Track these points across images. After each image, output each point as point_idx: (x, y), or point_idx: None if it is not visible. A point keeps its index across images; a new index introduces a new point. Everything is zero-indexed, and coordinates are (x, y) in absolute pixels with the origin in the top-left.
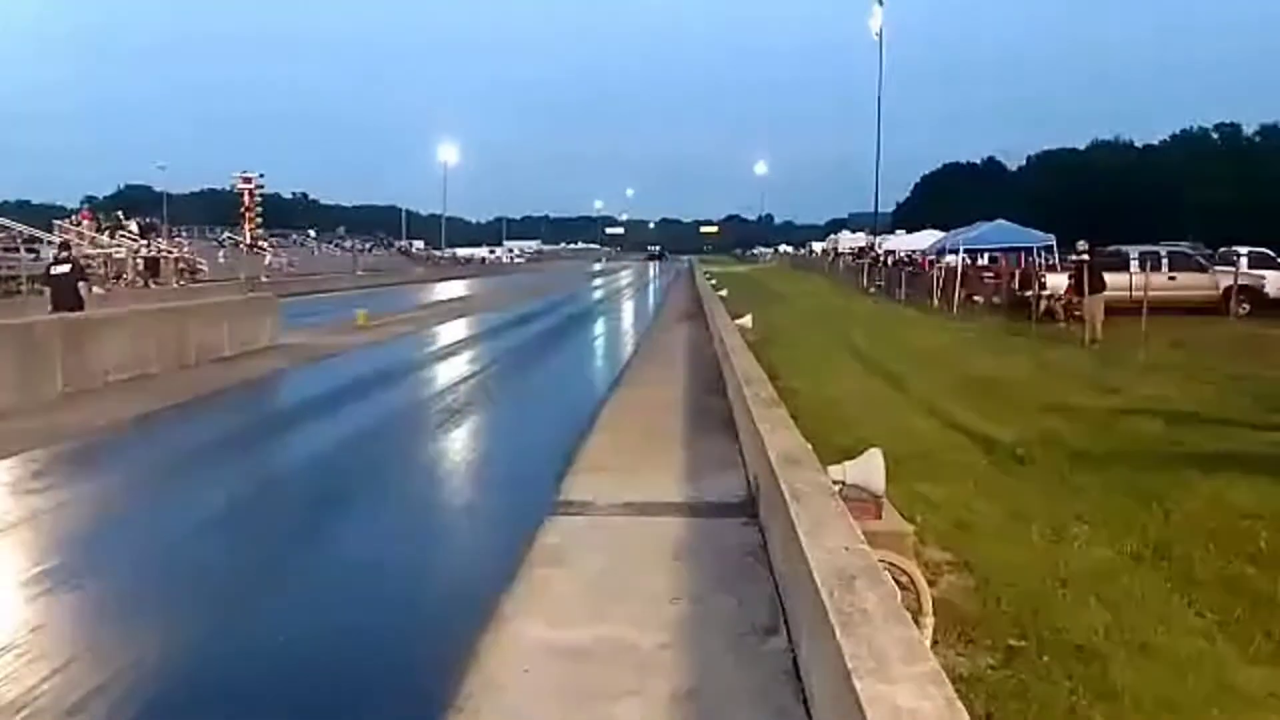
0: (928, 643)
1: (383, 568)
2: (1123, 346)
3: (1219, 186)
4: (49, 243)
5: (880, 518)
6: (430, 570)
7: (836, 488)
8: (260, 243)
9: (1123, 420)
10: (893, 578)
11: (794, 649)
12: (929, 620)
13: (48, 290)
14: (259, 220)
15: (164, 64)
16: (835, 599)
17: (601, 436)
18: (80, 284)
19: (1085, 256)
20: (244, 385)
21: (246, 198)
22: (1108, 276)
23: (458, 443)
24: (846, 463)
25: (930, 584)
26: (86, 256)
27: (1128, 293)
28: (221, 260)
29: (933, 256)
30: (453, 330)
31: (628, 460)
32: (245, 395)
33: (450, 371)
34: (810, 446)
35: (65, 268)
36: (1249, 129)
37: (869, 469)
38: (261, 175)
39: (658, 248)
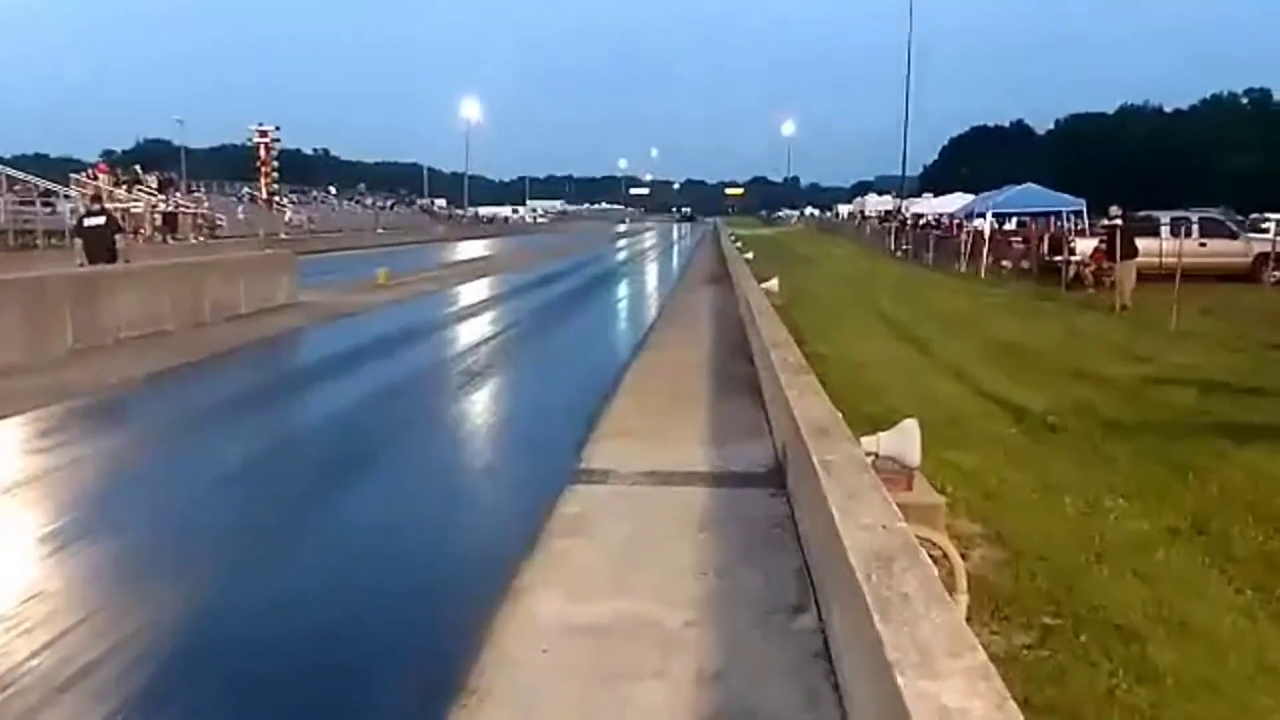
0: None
1: (397, 534)
2: (1153, 313)
3: (1249, 152)
4: (65, 196)
5: (911, 489)
6: (446, 541)
7: (869, 459)
8: (276, 197)
9: (1154, 389)
10: (926, 553)
11: (824, 629)
12: (963, 598)
13: (79, 242)
14: (276, 175)
15: (184, 20)
16: (874, 583)
17: (625, 401)
18: (117, 236)
19: (1118, 222)
20: (260, 343)
21: (263, 151)
22: (1138, 242)
23: (478, 405)
24: (880, 433)
25: (961, 557)
26: None
27: (1158, 259)
28: (240, 216)
29: (960, 220)
30: (475, 290)
31: (651, 426)
32: (261, 354)
33: (471, 332)
34: (840, 415)
35: (100, 220)
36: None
37: (904, 440)
38: (277, 128)
39: (688, 209)
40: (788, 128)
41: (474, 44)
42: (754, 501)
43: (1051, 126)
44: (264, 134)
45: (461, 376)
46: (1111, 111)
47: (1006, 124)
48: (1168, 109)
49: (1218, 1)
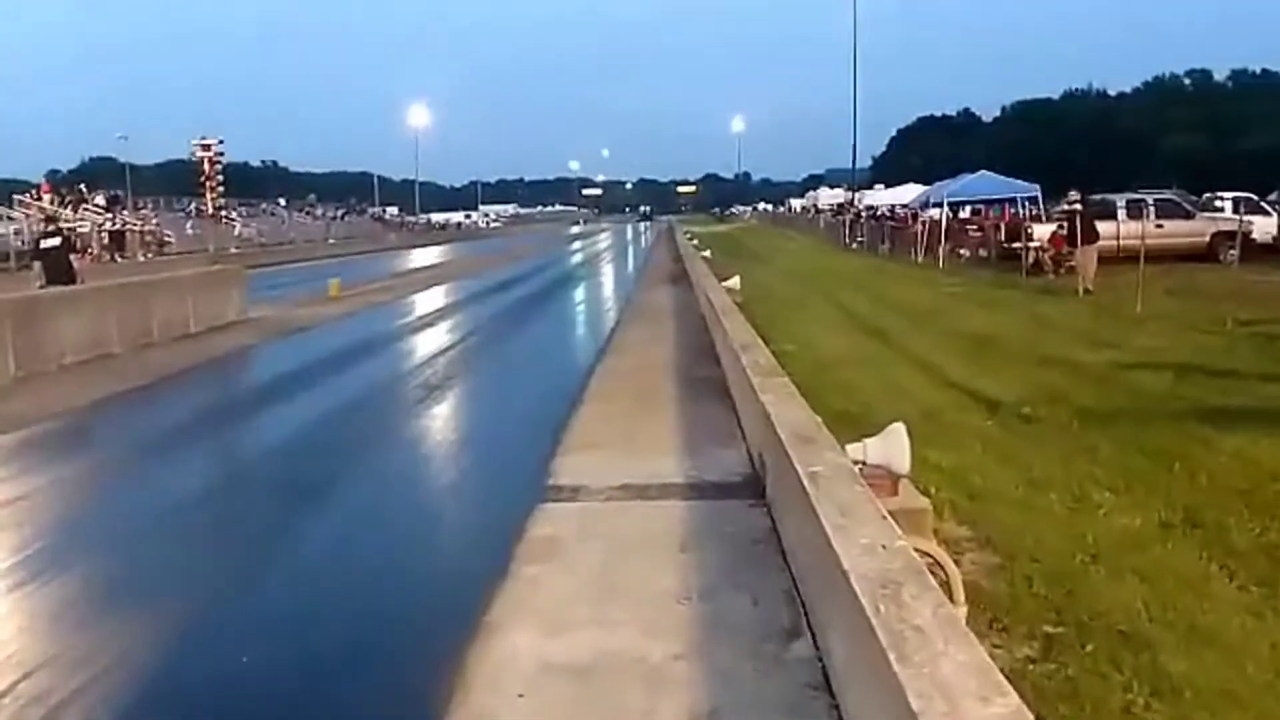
0: None
1: (356, 566)
2: (1116, 297)
3: (1193, 133)
4: (8, 218)
5: (897, 493)
6: (409, 573)
7: (856, 468)
8: (222, 211)
9: (1126, 374)
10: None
11: (822, 658)
12: (962, 609)
13: (38, 265)
14: (221, 189)
15: (125, 36)
16: (884, 615)
17: (591, 408)
18: (72, 256)
19: (1077, 206)
20: (210, 364)
21: (206, 165)
22: (1098, 226)
23: (438, 421)
24: (866, 440)
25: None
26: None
27: (1115, 241)
28: (189, 232)
29: (915, 210)
30: (430, 299)
31: (620, 435)
32: (211, 375)
33: (428, 343)
34: (820, 421)
35: (55, 241)
36: (1219, 75)
37: (892, 447)
38: (221, 141)
39: (647, 209)
40: (737, 124)
41: (420, 51)
42: (733, 514)
43: (998, 114)
44: (207, 148)
45: (419, 390)
46: (1057, 97)
47: (953, 113)
48: (1112, 92)
49: None
